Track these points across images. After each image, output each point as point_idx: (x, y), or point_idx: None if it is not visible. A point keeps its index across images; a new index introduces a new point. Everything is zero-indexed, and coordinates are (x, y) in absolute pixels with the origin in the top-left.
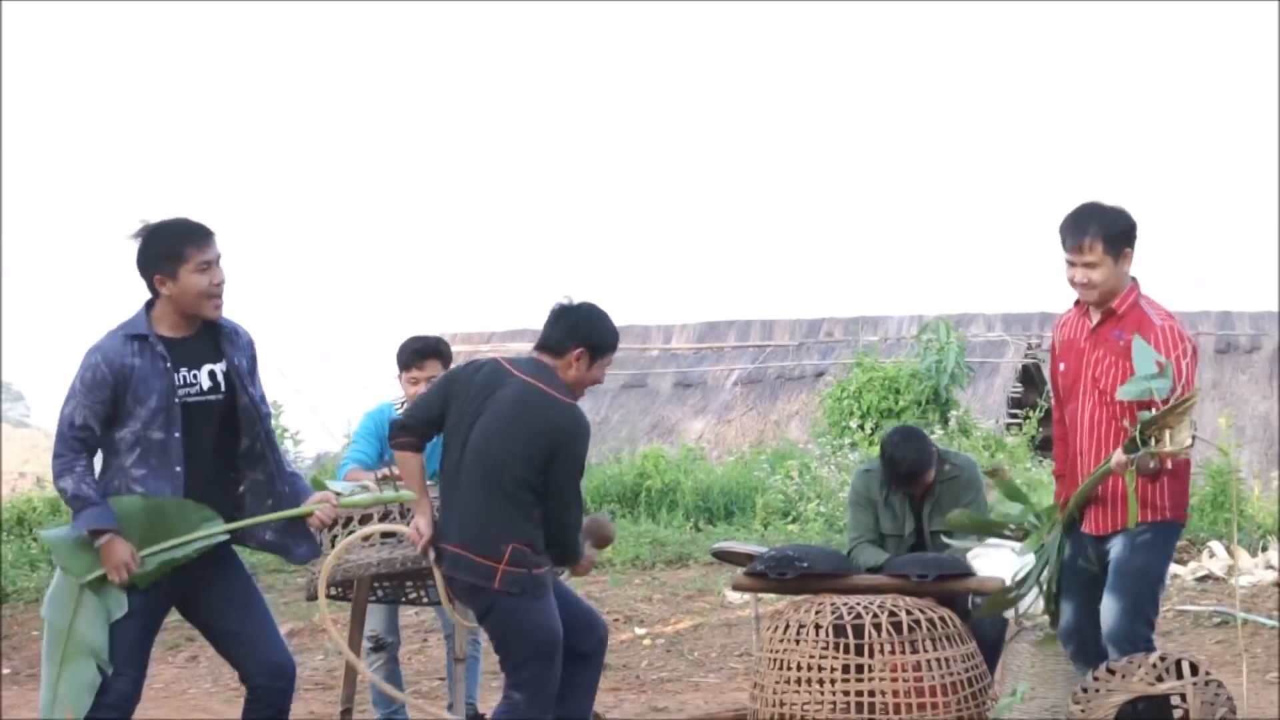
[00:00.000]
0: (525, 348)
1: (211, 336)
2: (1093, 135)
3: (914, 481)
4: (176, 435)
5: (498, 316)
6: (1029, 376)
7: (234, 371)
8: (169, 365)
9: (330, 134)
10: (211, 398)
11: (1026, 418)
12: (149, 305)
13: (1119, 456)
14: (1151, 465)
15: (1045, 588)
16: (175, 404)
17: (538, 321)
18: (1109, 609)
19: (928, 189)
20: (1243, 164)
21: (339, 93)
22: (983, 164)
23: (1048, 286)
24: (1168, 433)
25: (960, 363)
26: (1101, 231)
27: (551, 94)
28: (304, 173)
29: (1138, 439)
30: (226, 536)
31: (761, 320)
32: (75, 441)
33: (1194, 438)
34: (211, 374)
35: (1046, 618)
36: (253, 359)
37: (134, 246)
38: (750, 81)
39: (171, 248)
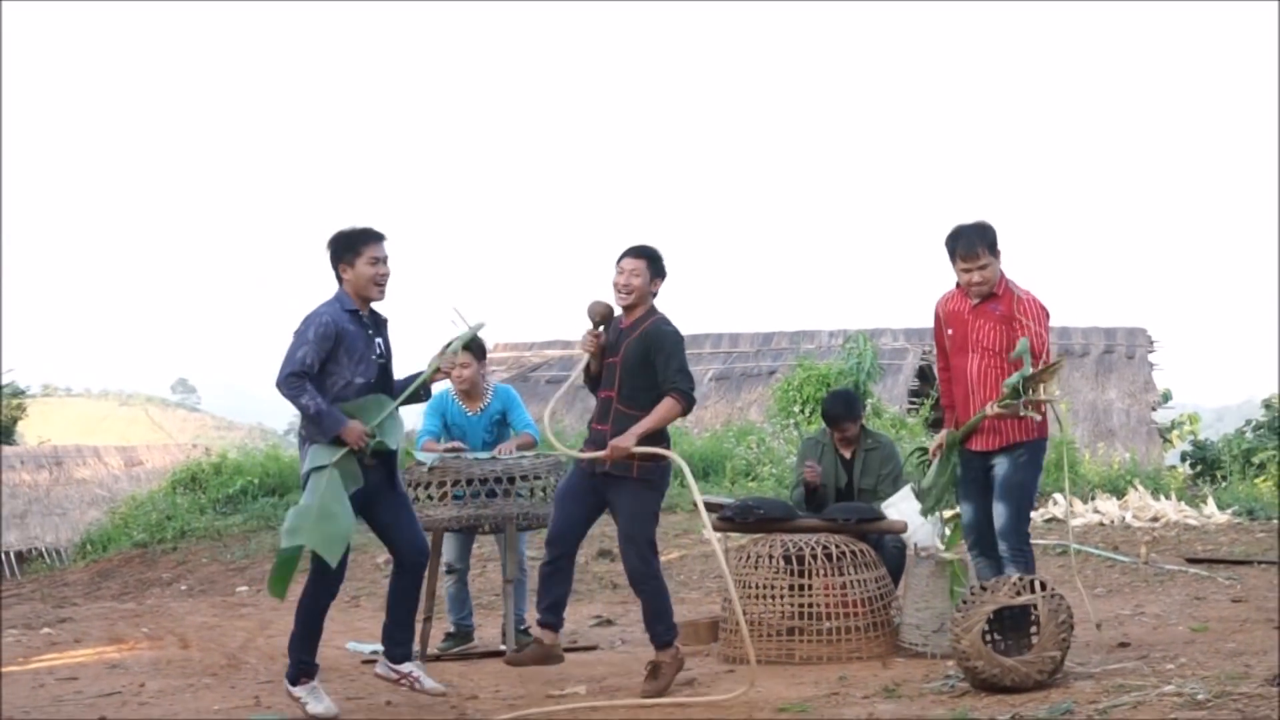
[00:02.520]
0: (558, 355)
1: (374, 319)
2: (984, 188)
3: (839, 423)
4: (367, 381)
5: (535, 327)
6: (924, 374)
7: (388, 344)
8: (369, 333)
9: (381, 153)
10: (380, 359)
11: (921, 404)
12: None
13: (992, 409)
14: (1021, 411)
15: (946, 493)
16: (372, 360)
17: (568, 332)
18: (1000, 514)
19: (852, 236)
20: (1082, 210)
21: (392, 109)
22: (895, 213)
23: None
24: (1043, 386)
25: (874, 364)
26: (985, 241)
27: (581, 134)
28: (362, 189)
29: (1020, 389)
30: (404, 441)
31: (730, 333)
32: (304, 374)
33: (1059, 392)
34: (378, 344)
35: (939, 549)
36: None
37: (328, 246)
38: (734, 141)
39: (350, 244)
